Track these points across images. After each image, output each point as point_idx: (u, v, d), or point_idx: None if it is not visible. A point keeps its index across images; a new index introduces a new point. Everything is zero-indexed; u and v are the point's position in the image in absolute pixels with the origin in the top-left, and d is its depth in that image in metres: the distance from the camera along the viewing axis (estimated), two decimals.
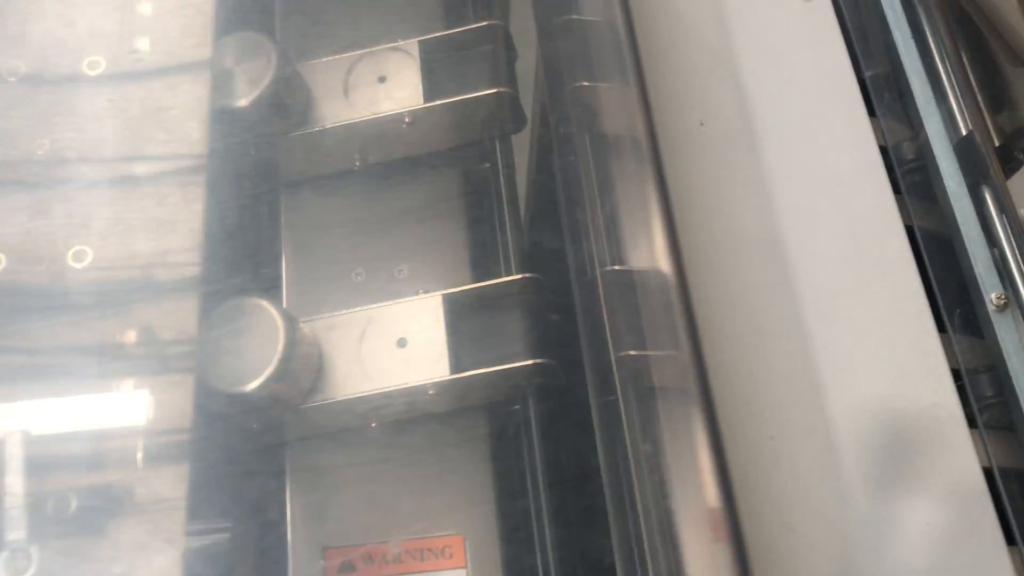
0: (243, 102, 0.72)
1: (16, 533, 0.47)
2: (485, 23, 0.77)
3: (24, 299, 0.55)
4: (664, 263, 0.66)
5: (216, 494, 0.64)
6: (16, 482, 0.48)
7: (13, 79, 0.61)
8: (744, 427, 0.64)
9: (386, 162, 0.80)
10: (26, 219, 0.57)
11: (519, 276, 0.68)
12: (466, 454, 0.72)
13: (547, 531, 0.68)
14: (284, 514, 0.70)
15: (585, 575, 0.68)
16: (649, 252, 0.70)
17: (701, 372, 0.62)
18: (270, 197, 0.79)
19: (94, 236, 0.56)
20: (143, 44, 0.65)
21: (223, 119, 0.72)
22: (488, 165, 0.77)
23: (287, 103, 0.74)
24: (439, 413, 0.69)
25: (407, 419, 0.70)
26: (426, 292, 0.69)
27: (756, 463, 0.66)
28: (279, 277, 0.78)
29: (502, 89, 0.74)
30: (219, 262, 0.71)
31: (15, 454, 0.49)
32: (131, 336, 0.58)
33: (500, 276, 0.75)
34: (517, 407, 0.69)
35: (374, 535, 0.71)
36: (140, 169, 0.62)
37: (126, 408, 0.54)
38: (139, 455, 0.53)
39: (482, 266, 0.79)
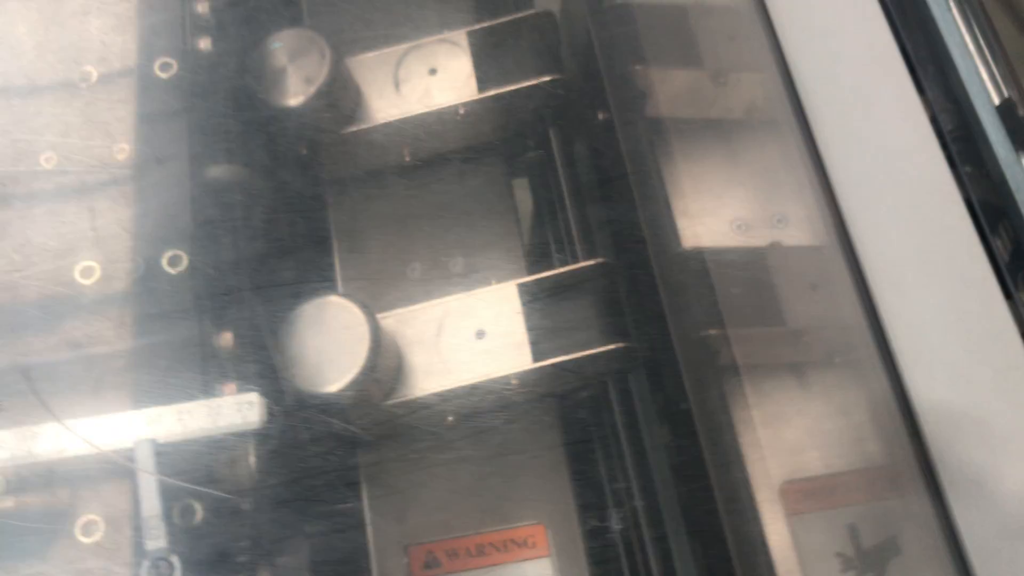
0: (298, 100, 0.71)
1: (156, 542, 0.46)
2: (532, 11, 0.77)
3: (122, 306, 0.53)
4: (737, 241, 0.67)
5: (302, 496, 0.64)
6: (151, 491, 0.47)
7: (84, 85, 0.59)
8: (825, 398, 0.65)
9: (436, 155, 0.79)
10: (117, 226, 0.56)
11: (594, 261, 0.67)
12: (543, 442, 0.72)
13: (634, 518, 0.68)
14: (363, 514, 0.69)
15: (667, 559, 0.69)
16: (722, 231, 0.71)
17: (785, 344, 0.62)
18: (323, 195, 0.78)
19: (186, 241, 0.55)
20: (206, 44, 0.64)
21: (278, 118, 0.71)
22: (543, 152, 0.77)
23: (340, 99, 0.73)
24: (517, 402, 0.69)
25: (484, 410, 0.70)
26: (497, 282, 0.69)
27: (836, 433, 0.67)
28: (334, 275, 0.77)
29: (556, 76, 0.74)
30: (285, 263, 0.70)
31: (147, 463, 0.48)
32: (227, 340, 0.57)
33: (561, 262, 0.75)
34: (594, 392, 0.69)
35: (455, 530, 0.71)
36: (215, 172, 0.61)
37: (222, 413, 0.53)
38: (250, 459, 0.52)
39: (541, 254, 0.79)
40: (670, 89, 0.76)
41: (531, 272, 0.77)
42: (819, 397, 0.65)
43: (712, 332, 0.66)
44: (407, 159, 0.79)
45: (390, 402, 0.66)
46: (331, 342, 0.63)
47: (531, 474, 0.72)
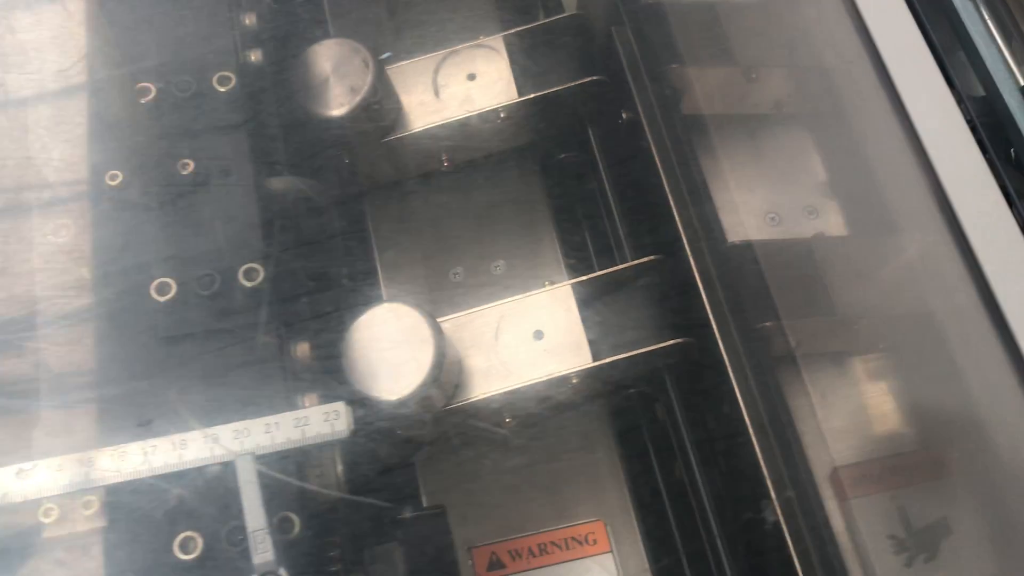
0: (343, 110, 0.71)
1: (264, 556, 0.46)
2: (567, 14, 0.78)
3: (199, 321, 0.54)
4: (775, 233, 0.68)
5: (374, 504, 0.64)
6: (255, 504, 0.47)
7: (143, 100, 0.59)
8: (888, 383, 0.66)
9: (475, 159, 0.80)
10: (188, 242, 0.56)
11: (646, 259, 0.68)
12: (599, 439, 0.73)
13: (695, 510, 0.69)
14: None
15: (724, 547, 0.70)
16: (758, 224, 0.72)
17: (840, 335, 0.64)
18: (363, 203, 0.79)
19: (258, 254, 0.55)
20: (257, 56, 0.64)
21: (320, 127, 0.72)
22: (582, 153, 0.78)
23: (382, 107, 0.74)
24: (576, 401, 0.70)
25: (543, 410, 0.71)
26: (551, 283, 0.70)
27: (888, 418, 0.68)
28: (377, 282, 0.78)
29: (596, 77, 0.75)
30: (338, 272, 0.70)
31: (249, 476, 0.48)
32: (304, 350, 0.57)
33: (605, 262, 0.76)
34: (651, 387, 0.70)
35: (517, 530, 0.71)
36: (276, 184, 0.62)
37: (310, 424, 0.53)
38: (336, 468, 0.53)
39: (583, 255, 0.80)
40: (703, 86, 0.78)
41: (573, 273, 0.79)
42: (872, 383, 0.66)
43: (767, 323, 0.67)
44: (446, 164, 0.80)
45: (452, 405, 0.66)
46: (396, 349, 0.63)
47: (590, 471, 0.73)
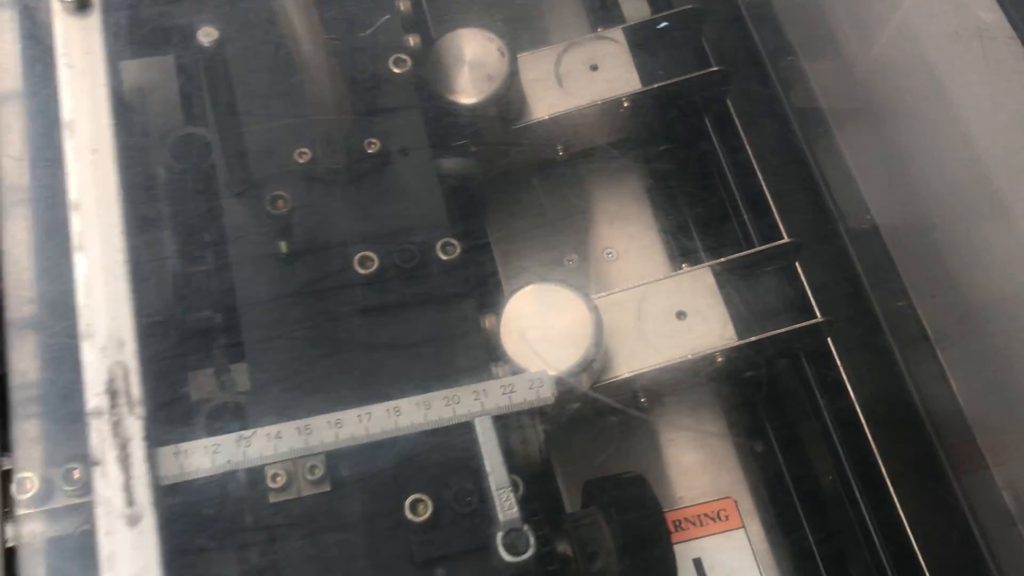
0: (479, 98, 0.73)
1: (509, 513, 0.48)
2: (685, 7, 0.80)
3: (403, 293, 0.55)
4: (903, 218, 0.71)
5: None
6: (498, 464, 0.49)
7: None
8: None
9: (591, 148, 0.82)
10: (386, 216, 0.57)
11: (783, 241, 0.71)
12: (732, 417, 0.75)
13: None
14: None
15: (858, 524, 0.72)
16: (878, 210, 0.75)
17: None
18: (482, 190, 0.80)
19: (378, 240, 0.56)
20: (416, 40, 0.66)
21: (455, 113, 0.73)
22: (700, 141, 0.80)
23: (512, 96, 0.75)
24: (716, 379, 0.72)
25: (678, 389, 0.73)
26: (689, 266, 0.72)
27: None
28: (494, 269, 0.79)
29: (718, 68, 0.77)
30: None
31: (489, 437, 0.50)
32: (491, 322, 0.59)
33: (718, 250, 0.78)
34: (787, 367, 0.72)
35: None
36: (447, 164, 0.63)
37: (516, 391, 0.54)
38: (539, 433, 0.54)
39: (693, 240, 0.82)
40: (815, 76, 0.80)
41: (686, 260, 0.80)
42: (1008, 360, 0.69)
43: (901, 303, 0.70)
44: (560, 154, 0.81)
45: (601, 383, 0.68)
46: (553, 327, 0.65)
47: (720, 449, 0.75)
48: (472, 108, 0.73)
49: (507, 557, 0.47)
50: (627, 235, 0.83)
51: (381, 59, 0.63)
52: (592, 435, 0.73)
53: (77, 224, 0.47)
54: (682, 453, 0.76)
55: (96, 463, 0.41)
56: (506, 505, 0.48)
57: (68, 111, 0.50)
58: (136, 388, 0.43)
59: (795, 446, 0.74)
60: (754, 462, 0.75)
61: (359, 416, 0.51)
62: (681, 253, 0.82)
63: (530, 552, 0.47)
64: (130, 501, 0.40)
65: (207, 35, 0.53)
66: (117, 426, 0.41)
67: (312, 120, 0.57)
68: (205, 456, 0.47)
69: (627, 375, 0.68)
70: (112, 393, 0.42)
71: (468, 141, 0.75)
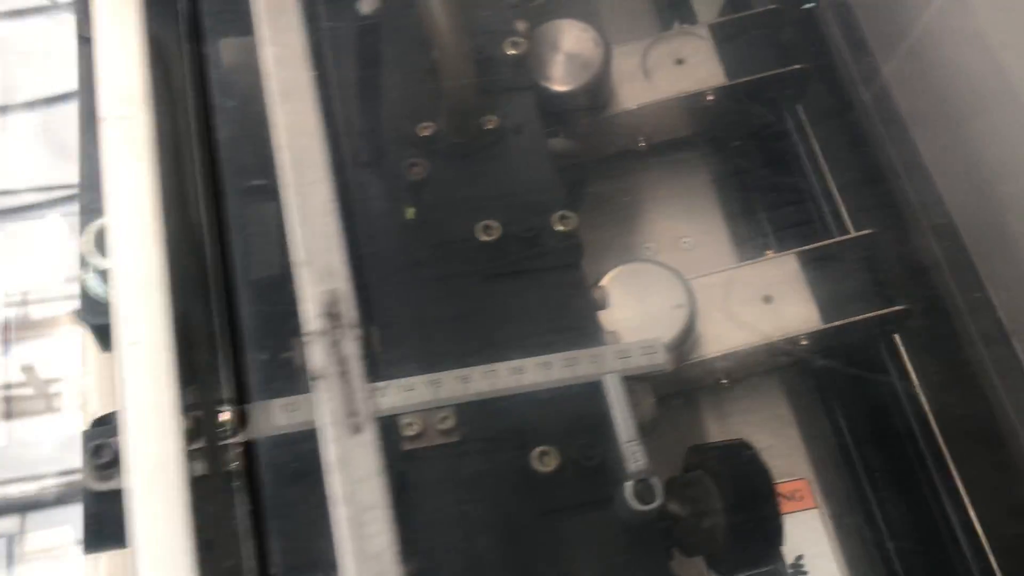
0: (574, 85, 0.76)
1: (638, 463, 0.50)
2: (769, 7, 0.83)
3: (443, 271, 0.58)
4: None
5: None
6: (626, 418, 0.51)
7: None
8: None
9: (673, 140, 0.85)
10: (438, 197, 0.60)
11: (863, 232, 0.74)
12: (807, 399, 0.78)
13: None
14: None
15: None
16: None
17: None
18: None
19: (500, 210, 0.60)
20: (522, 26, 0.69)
21: (550, 100, 0.76)
22: (780, 135, 0.83)
23: (601, 86, 0.78)
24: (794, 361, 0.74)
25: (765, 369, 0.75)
26: (774, 253, 0.75)
27: None
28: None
29: (803, 65, 0.80)
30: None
31: (618, 394, 0.52)
32: (601, 293, 0.62)
33: (793, 241, 0.81)
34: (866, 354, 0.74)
35: None
36: (557, 145, 0.66)
37: (631, 357, 0.57)
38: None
39: (771, 236, 0.84)
40: (890, 73, 0.83)
41: (761, 249, 0.83)
42: None
43: (977, 295, 0.72)
44: (641, 144, 0.84)
45: (689, 361, 0.70)
46: (648, 307, 0.68)
47: (794, 430, 0.77)
48: (566, 96, 0.76)
49: (637, 505, 0.49)
50: (703, 225, 0.86)
51: (497, 40, 0.66)
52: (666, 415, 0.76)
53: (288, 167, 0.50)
54: (755, 433, 0.78)
55: (320, 377, 0.44)
56: (635, 456, 0.50)
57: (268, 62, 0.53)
58: (351, 311, 0.46)
59: (870, 436, 0.76)
60: (827, 447, 0.77)
61: (484, 372, 0.54)
62: (755, 244, 0.85)
63: (658, 501, 0.50)
64: (352, 412, 0.43)
65: (369, 3, 0.56)
66: (336, 345, 0.44)
67: (440, 95, 0.59)
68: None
69: (715, 354, 0.71)
70: (330, 315, 0.45)
71: (559, 127, 0.78)
